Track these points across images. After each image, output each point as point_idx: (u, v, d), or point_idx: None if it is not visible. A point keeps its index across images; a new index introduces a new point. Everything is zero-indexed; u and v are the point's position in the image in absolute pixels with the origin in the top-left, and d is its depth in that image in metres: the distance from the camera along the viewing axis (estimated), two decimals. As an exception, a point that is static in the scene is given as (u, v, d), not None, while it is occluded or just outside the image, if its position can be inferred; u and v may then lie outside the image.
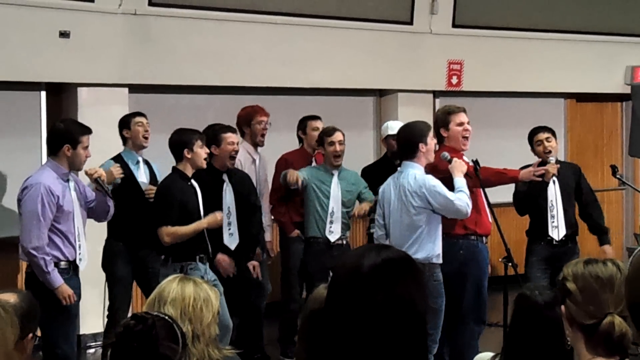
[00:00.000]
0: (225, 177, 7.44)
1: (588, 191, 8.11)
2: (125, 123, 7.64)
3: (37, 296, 6.19)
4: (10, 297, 3.54)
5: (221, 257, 7.23)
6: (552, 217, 7.79)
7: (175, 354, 3.12)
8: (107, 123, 7.94)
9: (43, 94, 8.74)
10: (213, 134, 7.39)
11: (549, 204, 7.79)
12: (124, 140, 7.65)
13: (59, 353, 6.13)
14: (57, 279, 6.16)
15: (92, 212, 6.56)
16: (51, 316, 6.18)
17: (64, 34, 8.39)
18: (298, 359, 3.30)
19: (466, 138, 7.16)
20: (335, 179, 7.80)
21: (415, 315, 2.17)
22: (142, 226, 7.15)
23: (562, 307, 2.74)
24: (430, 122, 10.61)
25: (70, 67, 8.51)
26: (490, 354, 3.78)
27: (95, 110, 8.53)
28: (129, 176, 7.41)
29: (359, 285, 2.16)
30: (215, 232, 7.06)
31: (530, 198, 7.81)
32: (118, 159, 7.52)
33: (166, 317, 3.24)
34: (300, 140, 8.38)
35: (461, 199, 6.68)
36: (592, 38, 11.65)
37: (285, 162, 8.12)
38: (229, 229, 7.43)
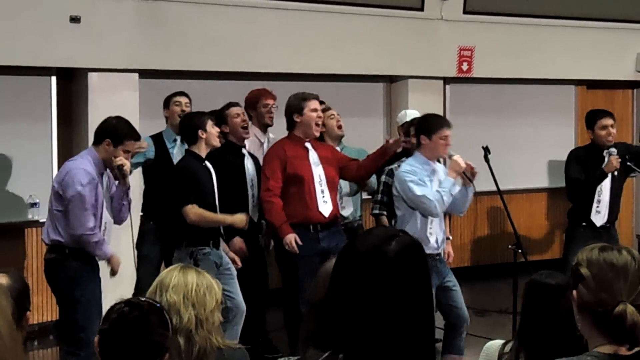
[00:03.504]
0: (244, 150, 7.55)
1: (638, 148, 8.11)
2: (165, 103, 7.90)
3: (59, 283, 6.26)
4: (2, 278, 3.52)
5: (238, 242, 7.24)
6: (598, 202, 7.77)
7: (165, 340, 3.11)
8: (117, 108, 7.93)
9: (53, 79, 8.75)
10: (219, 115, 7.50)
11: (597, 189, 7.78)
12: (165, 120, 7.87)
13: (82, 337, 6.11)
14: (108, 250, 6.31)
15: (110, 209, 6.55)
16: (74, 302, 6.20)
17: (74, 19, 8.39)
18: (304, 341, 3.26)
19: (318, 125, 7.24)
20: None
21: (427, 296, 2.23)
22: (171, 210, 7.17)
23: (574, 292, 2.74)
24: (441, 108, 10.73)
25: (80, 52, 8.51)
26: (501, 341, 3.79)
27: (105, 96, 8.55)
28: (163, 154, 7.57)
29: (383, 271, 2.17)
30: (240, 203, 7.11)
31: (587, 185, 7.78)
32: (158, 136, 7.73)
33: (157, 304, 3.23)
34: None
35: (431, 198, 6.68)
36: (603, 25, 11.61)
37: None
38: (253, 201, 7.49)
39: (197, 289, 3.68)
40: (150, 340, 3.07)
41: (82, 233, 6.16)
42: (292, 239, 6.95)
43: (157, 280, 3.77)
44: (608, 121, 7.89)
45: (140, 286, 7.50)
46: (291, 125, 7.26)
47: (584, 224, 7.78)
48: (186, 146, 7.48)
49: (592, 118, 8.03)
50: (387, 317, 2.15)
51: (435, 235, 6.88)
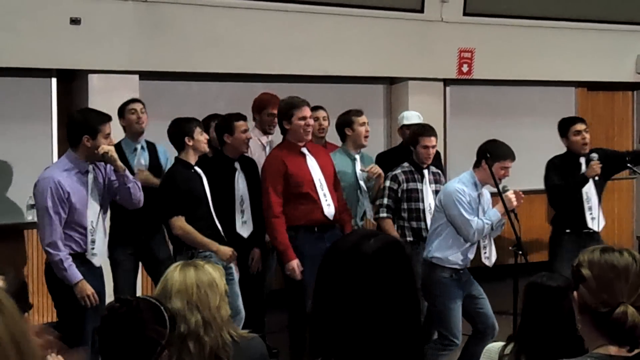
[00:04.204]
0: (237, 165, 7.48)
1: (615, 152, 8.13)
2: (120, 112, 7.65)
3: (58, 288, 6.16)
4: None
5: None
6: (590, 208, 7.78)
7: (162, 337, 3.10)
8: (117, 110, 7.95)
9: (54, 80, 8.75)
10: (226, 123, 7.47)
11: (584, 196, 7.79)
12: (123, 129, 7.64)
13: (81, 342, 6.06)
14: (75, 276, 6.04)
15: (120, 198, 6.41)
16: (71, 307, 6.11)
17: (74, 21, 8.40)
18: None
19: (307, 132, 7.16)
20: (358, 163, 7.82)
21: (410, 295, 2.22)
22: (141, 212, 7.13)
23: (575, 293, 2.74)
24: (441, 110, 10.74)
25: (81, 53, 8.51)
26: (501, 343, 3.79)
27: (105, 97, 8.53)
28: (125, 165, 7.38)
29: (361, 268, 2.18)
30: (227, 220, 7.08)
31: (568, 190, 7.79)
32: (116, 147, 7.47)
33: (152, 300, 3.23)
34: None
35: (473, 226, 6.71)
36: (603, 27, 11.61)
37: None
38: (242, 217, 7.45)
39: (198, 290, 3.66)
40: (144, 336, 3.06)
41: (44, 247, 6.05)
42: (294, 266, 6.95)
43: (160, 284, 3.76)
44: (581, 126, 7.95)
45: (118, 290, 7.48)
46: (283, 130, 7.26)
47: (567, 230, 7.76)
48: (147, 154, 7.49)
49: (564, 125, 8.05)
50: (370, 316, 2.14)
51: (473, 254, 6.94)
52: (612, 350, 2.65)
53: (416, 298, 2.24)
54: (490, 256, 7.06)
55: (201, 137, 6.84)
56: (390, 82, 10.80)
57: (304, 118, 7.13)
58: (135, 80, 8.87)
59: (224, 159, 7.42)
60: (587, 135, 7.94)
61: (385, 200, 7.50)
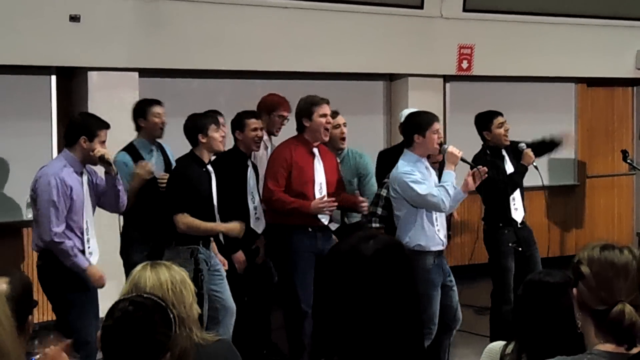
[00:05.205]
0: (249, 162, 7.47)
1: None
2: (141, 112, 7.42)
3: (51, 288, 6.20)
4: (2, 283, 3.42)
5: (239, 257, 7.25)
6: (513, 199, 7.79)
7: (169, 340, 3.10)
8: (117, 107, 7.95)
9: (53, 78, 8.75)
10: (238, 119, 7.45)
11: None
12: (138, 128, 7.43)
13: (77, 339, 6.06)
14: (84, 261, 6.20)
15: (104, 200, 6.50)
16: (67, 305, 6.19)
17: (74, 18, 8.39)
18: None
19: (327, 130, 7.18)
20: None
21: (411, 295, 2.23)
22: (158, 215, 7.12)
23: (574, 289, 2.74)
24: (441, 106, 10.73)
25: (80, 51, 8.51)
26: (501, 343, 3.78)
27: (105, 95, 8.55)
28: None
29: (360, 270, 2.18)
30: (240, 215, 7.07)
31: (513, 182, 7.77)
32: (131, 148, 7.38)
33: (161, 302, 3.22)
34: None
35: (436, 194, 6.62)
36: (603, 22, 11.61)
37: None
38: (255, 213, 7.43)
39: (173, 286, 3.64)
40: (154, 340, 3.06)
41: (50, 239, 6.11)
42: (317, 205, 7.00)
43: (130, 282, 3.69)
44: (503, 118, 7.84)
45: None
46: (301, 128, 7.23)
47: (500, 224, 7.71)
48: (161, 155, 7.48)
49: (485, 119, 7.85)
50: (370, 317, 2.15)
51: (443, 231, 6.89)
52: (611, 347, 2.66)
53: (416, 299, 2.24)
54: (441, 228, 6.96)
55: (216, 134, 6.71)
56: (390, 78, 10.80)
57: (325, 115, 7.14)
58: (135, 78, 8.87)
59: (238, 154, 7.42)
60: (508, 127, 7.87)
61: (379, 210, 7.41)
